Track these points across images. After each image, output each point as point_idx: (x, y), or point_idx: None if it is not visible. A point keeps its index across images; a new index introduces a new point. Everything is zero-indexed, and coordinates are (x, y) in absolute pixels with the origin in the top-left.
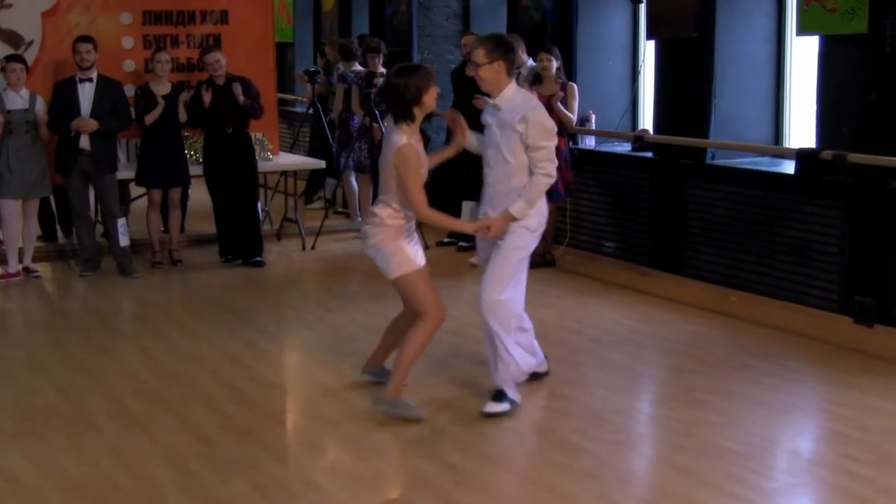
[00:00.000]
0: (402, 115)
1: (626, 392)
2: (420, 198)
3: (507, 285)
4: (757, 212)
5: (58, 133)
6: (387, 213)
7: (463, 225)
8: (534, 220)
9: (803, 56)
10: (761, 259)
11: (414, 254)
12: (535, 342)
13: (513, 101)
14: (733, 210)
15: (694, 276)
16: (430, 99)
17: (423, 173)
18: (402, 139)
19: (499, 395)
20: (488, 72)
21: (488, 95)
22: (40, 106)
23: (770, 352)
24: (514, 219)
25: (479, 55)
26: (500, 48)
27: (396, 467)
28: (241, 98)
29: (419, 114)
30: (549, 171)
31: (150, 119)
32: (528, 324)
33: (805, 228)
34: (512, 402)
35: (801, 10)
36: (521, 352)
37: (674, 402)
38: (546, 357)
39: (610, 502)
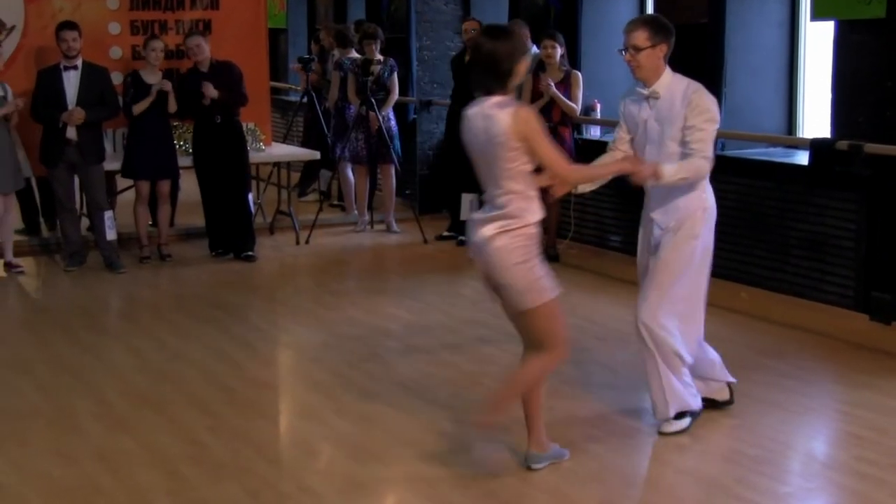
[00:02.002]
0: (498, 85)
1: (632, 392)
2: (563, 160)
3: (666, 304)
4: (769, 204)
5: (42, 123)
6: (521, 207)
7: (611, 166)
8: (699, 222)
9: (818, 42)
10: (773, 254)
11: (548, 272)
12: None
13: (673, 88)
14: (744, 203)
15: None
16: (524, 69)
17: None
18: (509, 103)
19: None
20: (649, 58)
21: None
22: (10, 94)
23: (783, 350)
24: (660, 176)
25: (640, 38)
26: (664, 30)
27: (393, 470)
28: (211, 94)
29: (512, 86)
30: (707, 153)
31: (139, 109)
32: (694, 357)
33: (819, 222)
34: (692, 413)
35: None
36: (675, 383)
37: None
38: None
39: None
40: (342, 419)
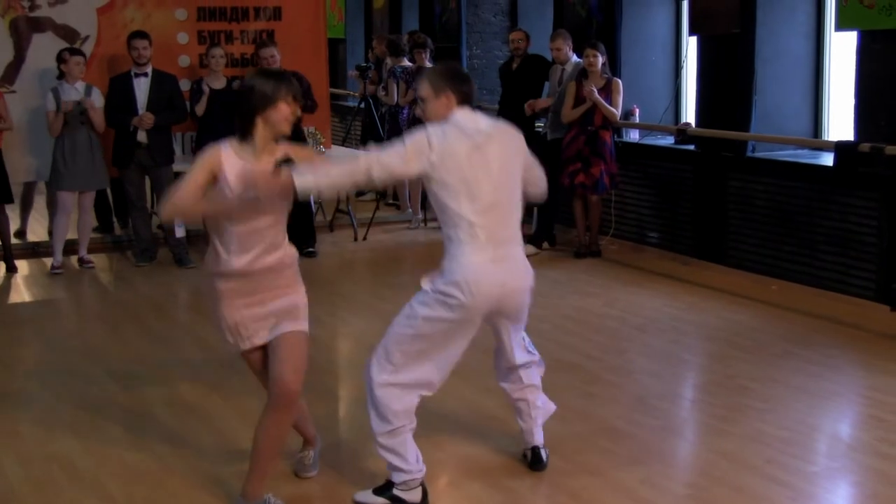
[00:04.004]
0: (239, 127)
1: (669, 378)
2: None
3: (390, 362)
4: (796, 203)
5: (115, 127)
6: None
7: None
8: (437, 278)
9: (842, 51)
10: (801, 249)
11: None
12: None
13: None
14: (773, 201)
15: (735, 265)
16: (279, 116)
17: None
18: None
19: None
20: (435, 108)
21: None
22: (96, 97)
23: (810, 339)
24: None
25: (424, 90)
26: (445, 79)
27: (446, 452)
28: None
29: (260, 130)
30: (375, 157)
31: (199, 109)
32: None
33: (843, 219)
34: (394, 499)
35: (840, 7)
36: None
37: (716, 389)
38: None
39: (654, 486)
40: None
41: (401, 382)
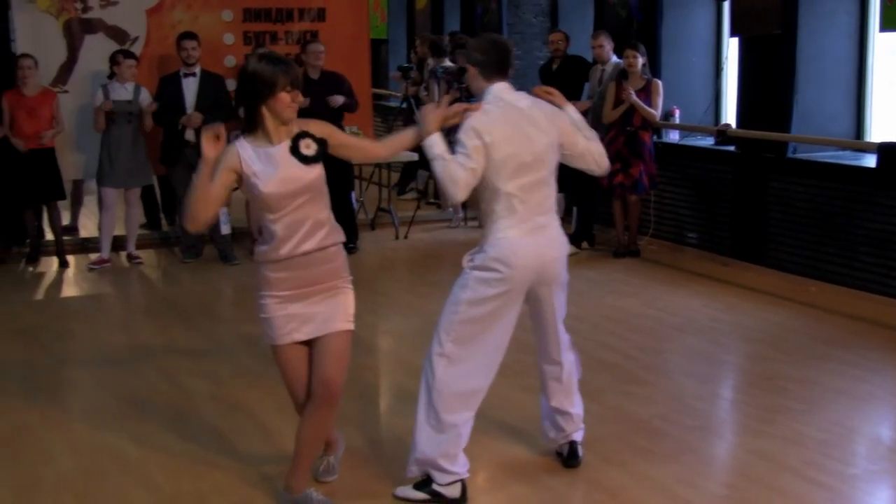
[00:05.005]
0: (247, 116)
1: (707, 379)
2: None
3: (443, 355)
4: (837, 204)
5: (163, 126)
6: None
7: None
8: (477, 256)
9: (886, 51)
10: (842, 250)
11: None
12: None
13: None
14: (814, 202)
15: (775, 266)
16: (280, 105)
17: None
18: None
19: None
20: (470, 80)
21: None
22: (144, 97)
23: (849, 341)
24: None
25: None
26: (469, 51)
27: (488, 448)
28: (338, 103)
29: (267, 117)
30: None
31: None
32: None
33: (885, 221)
34: (434, 494)
35: (885, 7)
36: (429, 438)
37: (754, 389)
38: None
39: (691, 485)
40: None
41: (458, 377)
